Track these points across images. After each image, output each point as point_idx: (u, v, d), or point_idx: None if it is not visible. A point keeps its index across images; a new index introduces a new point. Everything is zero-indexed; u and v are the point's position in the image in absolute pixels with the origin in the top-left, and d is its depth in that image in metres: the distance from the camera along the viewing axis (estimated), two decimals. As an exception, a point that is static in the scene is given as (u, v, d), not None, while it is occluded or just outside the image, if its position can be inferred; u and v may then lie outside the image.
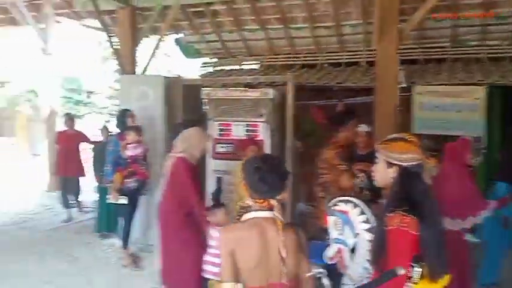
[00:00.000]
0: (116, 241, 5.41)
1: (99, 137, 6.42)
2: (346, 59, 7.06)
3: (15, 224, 6.51)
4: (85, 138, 6.87)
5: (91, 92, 13.80)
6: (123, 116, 4.91)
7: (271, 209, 1.81)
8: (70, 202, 6.70)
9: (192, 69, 12.49)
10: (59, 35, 7.86)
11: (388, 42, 4.58)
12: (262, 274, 1.74)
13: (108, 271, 4.60)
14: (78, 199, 6.83)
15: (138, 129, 4.76)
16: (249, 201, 1.83)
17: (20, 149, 15.79)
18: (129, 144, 4.68)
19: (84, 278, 4.39)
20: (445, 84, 5.84)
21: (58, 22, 7.97)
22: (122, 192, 4.62)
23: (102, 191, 5.45)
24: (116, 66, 11.02)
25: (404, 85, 5.16)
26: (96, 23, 8.19)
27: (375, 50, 5.04)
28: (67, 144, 6.59)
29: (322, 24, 6.76)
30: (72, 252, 5.13)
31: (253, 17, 6.90)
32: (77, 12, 7.74)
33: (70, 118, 6.93)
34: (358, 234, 2.42)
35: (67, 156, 6.55)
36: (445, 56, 6.63)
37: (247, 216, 1.81)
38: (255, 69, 8.04)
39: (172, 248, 3.18)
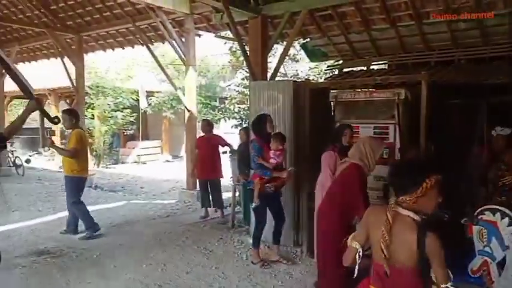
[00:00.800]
0: (248, 238, 5.72)
1: (238, 139, 6.79)
2: (490, 53, 6.34)
3: (160, 218, 7.31)
4: (222, 142, 7.18)
5: (224, 98, 14.79)
6: (261, 120, 4.89)
7: (406, 207, 2.00)
8: (209, 201, 7.13)
9: (317, 72, 12.58)
10: (198, 47, 8.57)
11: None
12: (385, 255, 1.97)
13: (240, 266, 4.88)
14: (216, 199, 7.12)
15: (282, 138, 4.75)
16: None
17: (164, 150, 17.70)
18: (272, 151, 4.71)
19: (219, 270, 4.72)
20: None
21: (198, 35, 8.73)
22: (259, 195, 4.70)
23: (246, 191, 5.81)
24: (246, 73, 11.66)
25: None
26: (229, 34, 8.83)
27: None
28: (206, 149, 6.99)
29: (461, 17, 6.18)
30: (207, 246, 5.55)
31: (383, 16, 6.65)
32: (214, 25, 8.41)
33: (208, 124, 7.36)
34: (508, 247, 2.17)
35: (206, 160, 6.97)
36: None
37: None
38: (383, 69, 7.74)
39: (331, 255, 3.27)
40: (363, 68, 7.79)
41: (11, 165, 12.34)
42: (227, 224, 6.60)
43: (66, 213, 6.41)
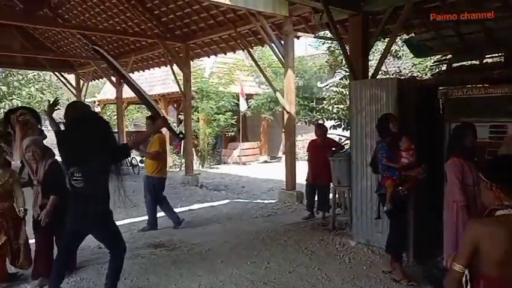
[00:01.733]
0: (350, 241, 5.64)
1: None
2: None
3: (262, 217, 7.52)
4: (335, 144, 7.07)
5: (322, 99, 14.69)
6: (385, 121, 4.70)
7: None
8: (314, 204, 7.12)
9: (421, 68, 11.87)
10: (296, 49, 8.65)
11: None
12: (506, 268, 1.86)
13: (343, 268, 4.83)
14: (322, 203, 6.99)
15: (411, 137, 4.57)
16: (506, 201, 1.95)
17: (263, 151, 18.15)
18: (403, 152, 4.54)
19: (321, 271, 4.72)
20: None
21: (296, 37, 8.81)
22: (391, 199, 4.48)
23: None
24: (345, 73, 11.45)
25: None
26: (328, 34, 8.75)
27: None
28: (317, 153, 6.91)
29: None
30: (309, 247, 5.57)
31: (497, 4, 6.06)
32: (312, 25, 8.42)
33: (319, 127, 7.27)
34: None
35: (317, 165, 6.90)
36: None
37: (498, 212, 1.96)
38: (499, 62, 7.03)
39: None
40: (474, 62, 7.17)
41: (128, 165, 13.64)
42: (328, 226, 6.56)
43: (177, 210, 6.91)
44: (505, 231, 1.88)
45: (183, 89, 11.63)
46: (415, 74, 11.36)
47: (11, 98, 23.25)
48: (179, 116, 17.13)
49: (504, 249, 1.86)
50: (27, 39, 14.81)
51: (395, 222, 4.61)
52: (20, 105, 22.81)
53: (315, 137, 7.37)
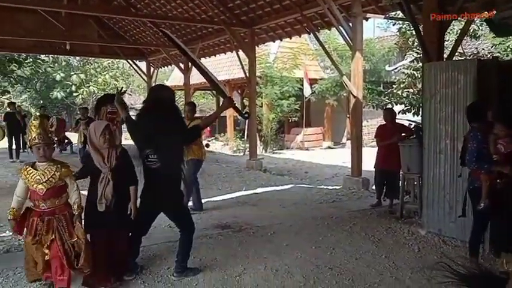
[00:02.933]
0: (419, 230, 5.43)
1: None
2: None
3: (327, 202, 7.45)
4: (405, 130, 6.79)
5: (390, 83, 14.14)
6: (481, 108, 4.32)
7: None
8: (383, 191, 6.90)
9: (502, 49, 10.98)
10: (364, 30, 8.35)
11: None
12: None
13: (412, 258, 4.66)
14: (392, 190, 6.74)
15: (505, 121, 4.05)
16: None
17: (326, 137, 17.91)
18: (500, 139, 4.02)
19: (389, 260, 4.59)
20: None
21: (365, 19, 8.49)
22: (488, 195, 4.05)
23: None
24: (416, 55, 10.89)
25: None
26: (399, 14, 8.34)
27: None
28: (386, 138, 6.68)
29: None
30: (376, 234, 5.44)
31: None
32: (382, 6, 8.07)
33: (389, 112, 7.06)
34: None
35: (387, 150, 6.62)
36: None
37: None
38: None
39: None
40: None
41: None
42: (396, 214, 6.36)
43: (242, 193, 7.04)
44: None
45: (247, 75, 11.72)
46: (495, 55, 10.54)
47: (88, 85, 24.93)
48: (243, 102, 17.35)
49: None
50: (103, 29, 15.68)
51: (483, 220, 4.26)
52: (96, 91, 24.43)
53: (383, 122, 7.12)
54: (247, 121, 12.91)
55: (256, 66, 12.16)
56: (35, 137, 3.48)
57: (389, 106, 10.01)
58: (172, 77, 23.25)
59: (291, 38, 11.85)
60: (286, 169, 11.82)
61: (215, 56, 15.28)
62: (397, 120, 7.04)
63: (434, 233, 5.26)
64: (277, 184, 9.22)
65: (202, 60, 15.31)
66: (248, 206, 6.83)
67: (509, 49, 10.36)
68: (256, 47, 12.23)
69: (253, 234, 5.56)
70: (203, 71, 4.15)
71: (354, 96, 8.33)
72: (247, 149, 13.13)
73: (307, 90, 15.58)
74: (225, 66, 17.93)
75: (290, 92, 15.96)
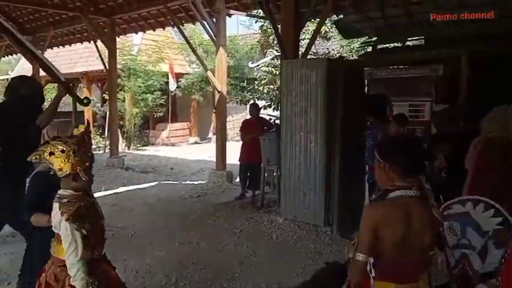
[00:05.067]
0: (278, 218, 5.72)
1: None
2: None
3: (191, 198, 7.38)
4: (267, 125, 6.99)
5: (253, 79, 14.68)
6: (381, 103, 4.42)
7: (420, 187, 1.87)
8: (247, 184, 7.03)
9: (348, 50, 12.27)
10: (227, 27, 8.47)
11: None
12: (401, 249, 1.82)
13: (271, 245, 4.88)
14: (254, 181, 6.84)
15: (402, 120, 4.17)
16: (397, 182, 1.86)
17: (193, 132, 17.87)
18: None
19: (250, 249, 4.73)
20: None
21: (228, 15, 8.62)
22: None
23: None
24: (276, 53, 11.50)
25: None
26: (260, 12, 8.67)
27: None
28: (250, 132, 6.80)
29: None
30: (238, 225, 5.57)
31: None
32: (244, 4, 8.27)
33: (254, 107, 7.21)
34: (487, 232, 2.05)
35: (251, 144, 6.71)
36: None
37: (392, 194, 1.88)
38: (420, 45, 7.44)
39: None
40: (397, 44, 7.52)
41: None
42: (257, 204, 6.60)
43: (100, 194, 6.53)
44: (400, 214, 1.83)
45: (107, 67, 10.96)
46: (343, 55, 11.71)
47: None
48: (103, 96, 16.21)
49: (401, 231, 1.81)
50: None
51: None
52: None
53: (248, 117, 7.32)
54: (107, 116, 12.11)
55: (117, 58, 11.44)
56: None
57: (253, 101, 10.38)
58: (18, 67, 20.59)
59: (154, 30, 11.40)
60: (151, 166, 11.41)
61: (70, 45, 13.94)
62: (261, 115, 7.32)
63: (291, 220, 5.59)
64: (140, 182, 8.81)
65: (55, 50, 13.93)
66: (107, 206, 6.35)
67: (354, 50, 11.60)
68: (118, 38, 11.52)
69: (113, 236, 5.16)
70: (40, 59, 3.68)
71: (218, 92, 8.41)
72: (108, 147, 12.32)
73: (172, 85, 15.28)
74: (82, 57, 16.48)
75: (155, 86, 15.42)
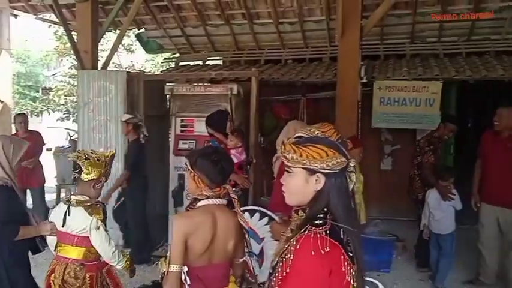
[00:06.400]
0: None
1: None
2: (310, 54, 7.10)
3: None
4: (40, 141, 5.71)
5: (49, 89, 13.28)
6: (222, 118, 4.35)
7: (226, 195, 1.97)
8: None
9: (153, 64, 12.32)
10: (16, 29, 7.45)
11: (350, 37, 4.67)
12: (208, 255, 1.91)
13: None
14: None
15: (240, 133, 4.26)
16: (205, 191, 1.94)
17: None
18: (231, 149, 4.07)
19: None
20: (404, 80, 5.81)
21: (14, 16, 7.58)
22: None
23: None
24: (74, 62, 10.65)
25: (365, 80, 5.20)
26: (54, 17, 7.89)
27: (337, 46, 5.11)
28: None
29: (287, 20, 6.79)
30: None
31: (217, 12, 6.83)
32: (33, 5, 7.42)
33: (22, 117, 5.83)
34: (263, 238, 2.40)
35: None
36: (405, 52, 6.76)
37: (201, 203, 1.95)
38: (218, 64, 7.98)
39: None
40: (199, 62, 7.90)
41: None
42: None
43: None
44: (207, 221, 1.90)
45: None
46: (148, 69, 11.67)
47: None
48: None
49: (208, 238, 1.88)
50: None
51: None
52: None
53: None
54: None
55: None
56: None
57: (46, 113, 9.37)
58: None
59: None
60: None
61: None
62: (54, 128, 6.61)
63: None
64: None
65: None
66: None
67: (159, 65, 11.68)
68: None
69: None
70: None
71: (1, 101, 7.27)
72: None
73: None
74: None
75: None
